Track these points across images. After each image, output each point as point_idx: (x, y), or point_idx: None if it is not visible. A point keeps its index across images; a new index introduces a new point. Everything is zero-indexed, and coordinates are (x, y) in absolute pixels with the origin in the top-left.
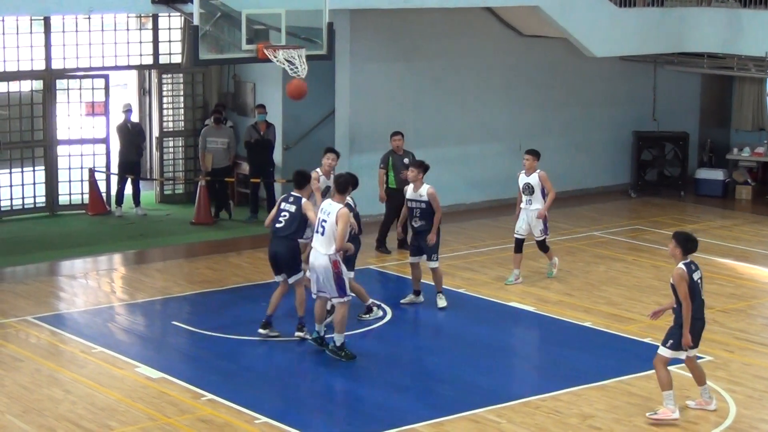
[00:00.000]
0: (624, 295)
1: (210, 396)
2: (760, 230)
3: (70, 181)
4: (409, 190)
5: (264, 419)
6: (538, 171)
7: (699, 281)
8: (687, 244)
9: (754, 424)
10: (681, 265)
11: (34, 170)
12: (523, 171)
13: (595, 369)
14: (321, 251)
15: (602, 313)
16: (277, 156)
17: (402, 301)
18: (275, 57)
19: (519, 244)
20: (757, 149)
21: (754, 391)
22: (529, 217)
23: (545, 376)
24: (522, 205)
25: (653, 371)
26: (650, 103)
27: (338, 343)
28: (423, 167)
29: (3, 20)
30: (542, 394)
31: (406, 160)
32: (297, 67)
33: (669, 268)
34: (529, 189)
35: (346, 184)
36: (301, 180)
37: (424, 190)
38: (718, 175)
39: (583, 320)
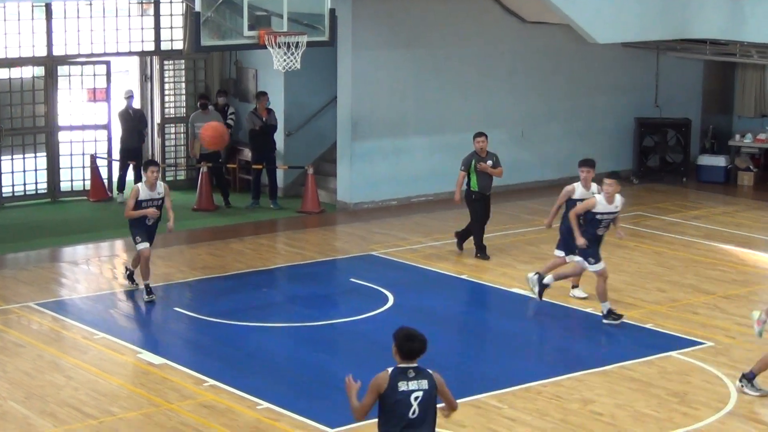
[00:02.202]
0: (626, 281)
1: (212, 382)
2: (762, 216)
3: (71, 168)
4: (603, 204)
5: (266, 405)
6: None
7: (414, 399)
8: (405, 344)
9: (755, 409)
10: (388, 371)
11: (35, 156)
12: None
13: (596, 355)
14: None
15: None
16: (279, 142)
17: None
18: (272, 46)
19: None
20: (759, 135)
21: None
22: None
23: (547, 361)
24: None
25: (655, 356)
26: (652, 89)
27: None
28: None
29: (5, 6)
30: (544, 379)
31: (489, 162)
32: (290, 58)
33: (672, 254)
34: None
35: None
36: None
37: (619, 201)
38: (720, 161)
39: (585, 306)
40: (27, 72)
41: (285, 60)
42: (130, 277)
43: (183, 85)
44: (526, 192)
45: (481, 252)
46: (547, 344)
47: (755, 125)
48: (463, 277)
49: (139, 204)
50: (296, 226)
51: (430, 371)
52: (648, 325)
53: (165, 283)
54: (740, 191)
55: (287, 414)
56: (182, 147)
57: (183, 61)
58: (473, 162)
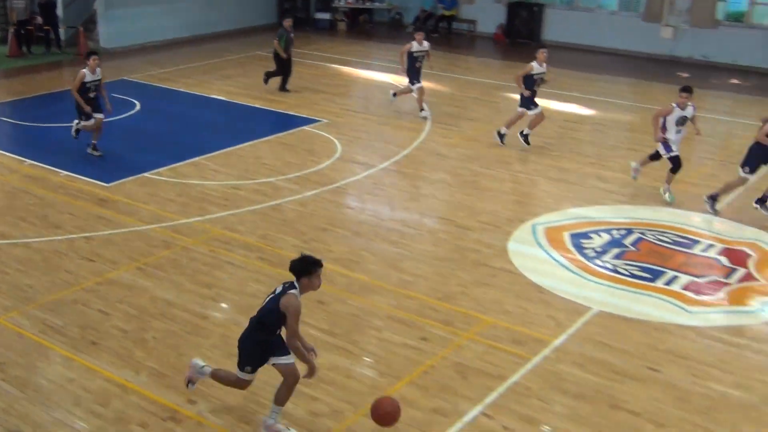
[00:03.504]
0: (282, 93)
1: (29, 161)
2: (352, 48)
3: None
4: (537, 67)
5: (65, 173)
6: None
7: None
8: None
9: (353, 156)
10: (296, 292)
11: None
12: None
13: (262, 130)
14: None
15: (267, 99)
16: (60, 11)
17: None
18: None
19: None
20: (349, 0)
21: (352, 137)
22: None
23: (234, 136)
24: None
25: (295, 129)
26: None
27: None
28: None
29: None
30: (232, 146)
31: (292, 35)
32: None
33: (301, 72)
34: None
35: None
36: None
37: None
38: (327, 16)
39: (253, 103)
40: None
41: None
42: (78, 132)
43: None
44: (210, 39)
45: (284, 88)
46: (234, 125)
47: None
48: (181, 90)
49: (83, 85)
50: (75, 64)
51: (283, 294)
52: (291, 112)
53: None
54: (339, 34)
55: (80, 177)
56: None
57: None
58: (284, 35)
